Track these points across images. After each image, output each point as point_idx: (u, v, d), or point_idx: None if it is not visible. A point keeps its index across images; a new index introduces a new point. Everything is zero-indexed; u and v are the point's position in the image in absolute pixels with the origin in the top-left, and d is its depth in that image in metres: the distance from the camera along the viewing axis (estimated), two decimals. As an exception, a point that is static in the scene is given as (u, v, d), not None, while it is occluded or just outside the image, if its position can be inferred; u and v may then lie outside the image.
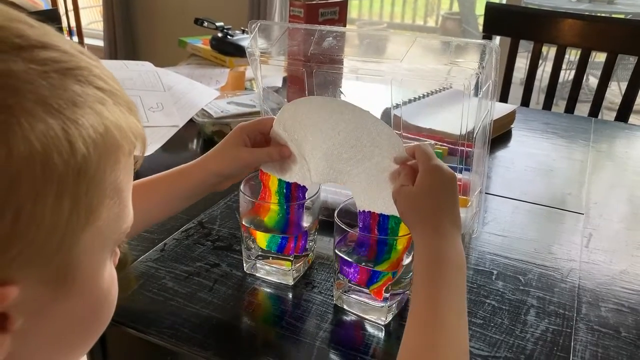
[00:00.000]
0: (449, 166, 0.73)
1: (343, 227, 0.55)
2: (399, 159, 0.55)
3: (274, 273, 0.62)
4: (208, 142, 0.99)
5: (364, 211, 0.58)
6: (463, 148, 0.88)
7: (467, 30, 3.88)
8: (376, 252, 0.56)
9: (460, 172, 0.80)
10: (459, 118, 1.08)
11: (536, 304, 0.60)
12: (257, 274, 0.63)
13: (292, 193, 0.63)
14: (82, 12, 2.79)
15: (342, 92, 0.68)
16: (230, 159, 0.60)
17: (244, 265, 0.64)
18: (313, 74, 0.63)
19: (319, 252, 0.68)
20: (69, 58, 0.29)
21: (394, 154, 0.56)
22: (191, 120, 0.98)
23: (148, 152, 0.85)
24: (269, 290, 0.62)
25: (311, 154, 0.61)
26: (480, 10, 4.05)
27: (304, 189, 0.61)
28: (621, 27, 1.42)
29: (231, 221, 0.74)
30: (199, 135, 1.03)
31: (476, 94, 0.57)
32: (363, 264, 0.56)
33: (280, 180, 0.63)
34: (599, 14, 3.13)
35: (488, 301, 0.61)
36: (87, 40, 2.88)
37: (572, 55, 3.13)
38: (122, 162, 0.31)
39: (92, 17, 3.84)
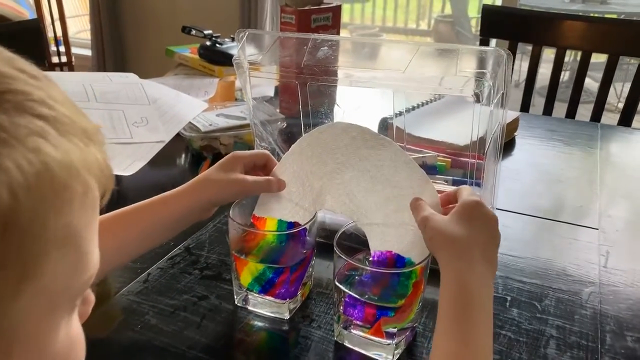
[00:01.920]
0: (455, 179, 0.68)
1: (344, 257, 0.50)
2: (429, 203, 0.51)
3: (267, 306, 0.57)
4: (196, 158, 0.94)
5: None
6: (473, 160, 0.83)
7: (461, 32, 3.85)
8: (385, 285, 0.51)
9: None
10: (461, 127, 1.02)
11: (556, 334, 0.55)
12: (249, 307, 0.58)
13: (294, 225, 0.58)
14: (69, 21, 2.73)
15: (338, 106, 0.63)
16: (225, 183, 0.55)
17: (235, 297, 0.58)
18: (307, 86, 0.57)
19: (318, 277, 0.62)
20: None
21: (418, 190, 0.52)
22: (178, 135, 0.92)
23: (132, 171, 0.79)
24: (262, 325, 0.56)
25: (327, 180, 0.56)
26: (472, 12, 4.01)
27: (304, 229, 0.56)
28: (624, 29, 1.37)
29: (221, 246, 0.68)
30: (186, 150, 0.98)
31: (487, 104, 0.52)
32: (367, 296, 0.50)
33: (279, 222, 0.57)
34: (593, 15, 3.11)
35: (503, 332, 0.55)
36: (75, 50, 2.82)
37: (567, 56, 3.09)
38: (74, 204, 0.25)
39: (80, 26, 3.77)
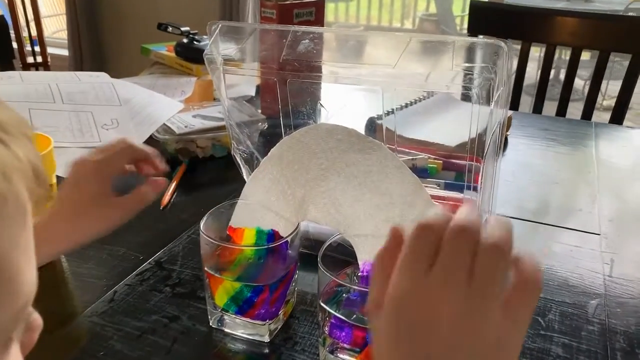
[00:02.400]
0: (447, 183, 0.63)
1: (329, 274, 0.44)
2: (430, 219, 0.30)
3: (246, 327, 0.51)
4: (171, 162, 0.88)
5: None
6: (467, 162, 0.78)
7: (445, 31, 3.81)
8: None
9: (462, 190, 0.70)
10: (452, 127, 0.98)
11: (562, 354, 0.50)
12: (225, 329, 0.52)
13: (275, 233, 0.52)
14: (47, 21, 2.65)
15: (322, 106, 0.58)
16: (85, 227, 0.51)
17: (209, 318, 0.53)
18: (287, 83, 0.52)
19: (301, 293, 0.57)
20: None
21: (411, 197, 0.47)
22: (152, 138, 0.86)
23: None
24: (240, 348, 0.51)
25: (310, 188, 0.50)
26: (457, 10, 3.99)
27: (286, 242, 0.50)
28: (615, 24, 1.34)
29: (195, 259, 0.62)
30: (162, 154, 0.91)
31: (487, 102, 0.47)
32: (355, 317, 0.45)
33: (258, 233, 0.52)
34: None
35: (505, 352, 0.50)
36: (51, 50, 2.73)
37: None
38: None
39: (58, 26, 3.67)
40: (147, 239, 0.66)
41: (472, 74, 0.45)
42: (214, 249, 0.49)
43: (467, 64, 0.45)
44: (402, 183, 0.48)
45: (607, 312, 0.56)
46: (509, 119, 1.00)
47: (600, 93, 1.38)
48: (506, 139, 1.00)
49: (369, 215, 0.49)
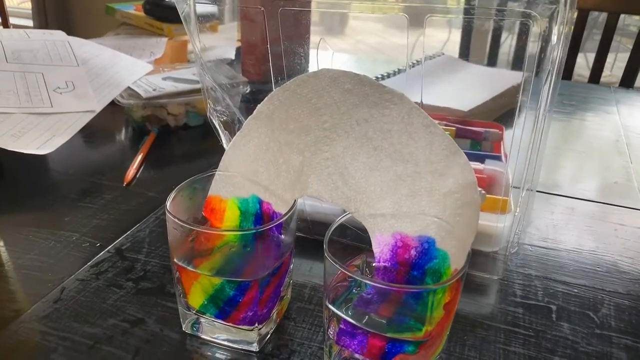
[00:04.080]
0: (468, 153, 0.51)
1: (338, 265, 0.33)
2: None
3: (229, 333, 0.40)
4: (138, 132, 0.75)
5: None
6: (488, 129, 0.67)
7: None
8: (398, 304, 0.35)
9: (483, 160, 0.60)
10: (462, 91, 0.87)
11: (627, 359, 0.40)
12: (202, 335, 0.41)
13: (263, 215, 0.41)
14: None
15: (324, 41, 0.45)
16: None
17: (182, 321, 0.41)
18: (279, 14, 0.40)
19: (297, 286, 0.46)
20: None
21: (443, 166, 0.36)
22: (115, 104, 0.74)
23: (49, 149, 0.61)
24: (222, 359, 0.39)
25: (310, 154, 0.39)
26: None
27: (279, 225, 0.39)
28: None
29: (165, 246, 0.51)
30: (127, 123, 0.79)
31: (547, 30, 0.35)
32: (368, 320, 0.34)
33: (242, 212, 0.41)
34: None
35: (556, 359, 0.40)
36: (14, 20, 2.55)
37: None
38: None
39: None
40: (105, 222, 0.54)
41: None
42: (185, 235, 0.37)
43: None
44: (431, 146, 0.36)
45: (670, 304, 0.46)
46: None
47: (587, 65, 1.29)
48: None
49: (387, 189, 0.38)
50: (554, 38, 0.36)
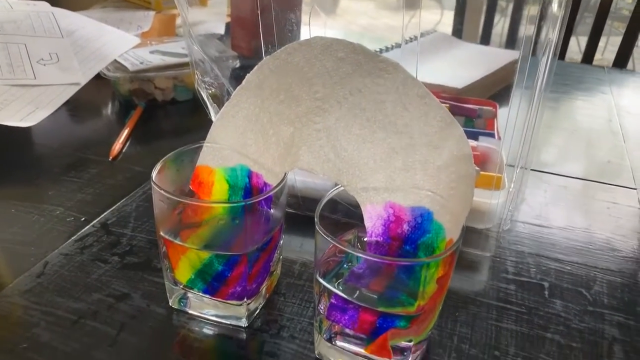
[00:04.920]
0: (467, 130, 0.50)
1: (330, 239, 0.32)
2: None
3: (217, 308, 0.39)
4: (125, 106, 0.74)
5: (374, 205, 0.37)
6: (482, 107, 0.67)
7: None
8: (391, 278, 0.34)
9: (476, 137, 0.59)
10: (455, 68, 0.86)
11: (619, 337, 0.40)
12: (189, 310, 0.40)
13: (252, 189, 0.40)
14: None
15: (317, 10, 0.44)
16: None
17: (168, 296, 0.41)
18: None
19: (287, 262, 0.45)
20: None
21: (438, 138, 0.35)
22: (101, 77, 0.72)
23: (31, 122, 0.59)
24: (209, 336, 0.39)
25: (301, 125, 0.38)
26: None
27: (269, 198, 0.38)
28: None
29: (151, 221, 0.50)
30: (113, 96, 0.77)
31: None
32: (359, 294, 0.34)
33: (231, 186, 0.39)
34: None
35: (549, 335, 0.40)
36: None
37: None
38: None
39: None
40: (90, 197, 0.53)
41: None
42: (172, 208, 0.36)
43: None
44: (426, 117, 0.35)
45: (662, 281, 0.46)
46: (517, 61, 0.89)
47: (579, 49, 1.28)
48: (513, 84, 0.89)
49: (380, 162, 0.37)
50: (555, 7, 0.35)
